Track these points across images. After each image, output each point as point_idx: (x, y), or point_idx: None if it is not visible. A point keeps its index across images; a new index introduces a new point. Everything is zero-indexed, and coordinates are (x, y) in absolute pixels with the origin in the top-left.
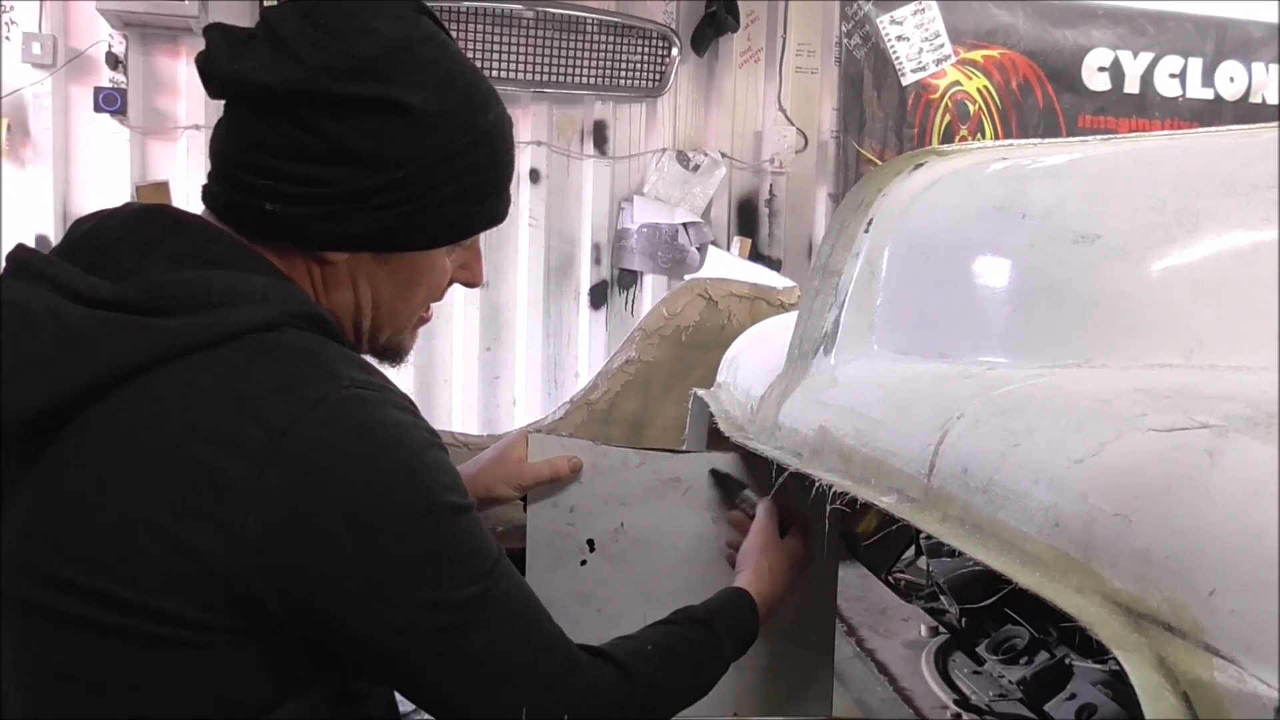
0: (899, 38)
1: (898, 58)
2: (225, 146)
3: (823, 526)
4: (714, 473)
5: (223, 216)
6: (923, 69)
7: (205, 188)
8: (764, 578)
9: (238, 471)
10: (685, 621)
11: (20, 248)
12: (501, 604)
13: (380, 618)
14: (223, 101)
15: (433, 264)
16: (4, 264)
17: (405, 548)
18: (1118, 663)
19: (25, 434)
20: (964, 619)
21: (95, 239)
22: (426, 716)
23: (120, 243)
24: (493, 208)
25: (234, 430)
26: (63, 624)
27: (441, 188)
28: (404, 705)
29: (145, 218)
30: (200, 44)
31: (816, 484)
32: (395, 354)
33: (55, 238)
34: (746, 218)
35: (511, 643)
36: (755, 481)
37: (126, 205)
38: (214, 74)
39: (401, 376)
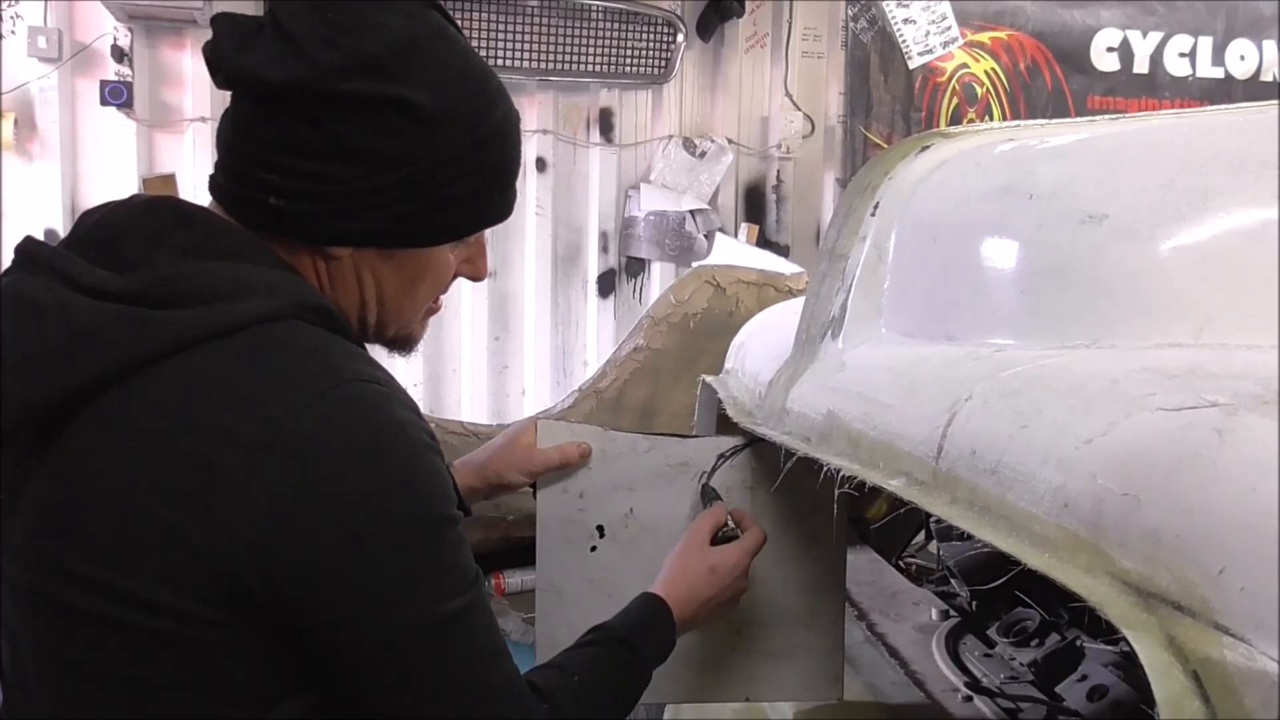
0: (905, 21)
1: (904, 41)
2: (231, 139)
3: (832, 511)
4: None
5: (229, 208)
6: (929, 52)
7: (212, 179)
8: (676, 581)
9: (234, 465)
10: (608, 643)
11: (28, 240)
12: (469, 627)
13: (358, 621)
14: (229, 92)
15: (437, 260)
16: (11, 257)
17: (393, 555)
18: (1128, 643)
19: (35, 426)
20: (974, 602)
21: (103, 231)
22: None
23: (128, 235)
24: (499, 205)
25: (233, 424)
26: (75, 617)
27: (447, 186)
28: None
29: (153, 210)
30: (205, 36)
31: (825, 468)
32: (405, 344)
33: (63, 232)
34: (754, 204)
35: (470, 667)
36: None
37: (134, 197)
38: (221, 65)
39: (410, 366)
